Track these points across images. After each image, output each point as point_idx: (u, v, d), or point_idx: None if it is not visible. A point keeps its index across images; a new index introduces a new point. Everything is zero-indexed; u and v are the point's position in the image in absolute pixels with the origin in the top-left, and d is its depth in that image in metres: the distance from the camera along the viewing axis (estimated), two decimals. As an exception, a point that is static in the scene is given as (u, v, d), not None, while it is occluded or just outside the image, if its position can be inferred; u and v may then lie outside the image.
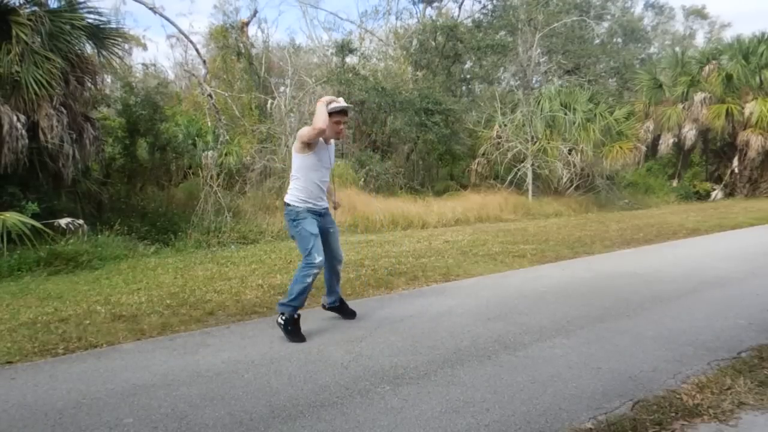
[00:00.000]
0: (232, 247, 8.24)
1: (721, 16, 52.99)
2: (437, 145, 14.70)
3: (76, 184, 8.19)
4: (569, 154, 14.22)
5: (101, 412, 2.90)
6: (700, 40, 31.67)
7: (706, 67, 18.13)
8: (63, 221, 7.21)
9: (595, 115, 14.62)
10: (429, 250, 7.93)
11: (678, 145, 18.50)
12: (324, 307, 4.53)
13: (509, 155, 14.34)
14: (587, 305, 4.92)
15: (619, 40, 24.62)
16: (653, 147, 18.79)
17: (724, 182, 18.62)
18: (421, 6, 20.36)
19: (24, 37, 7.15)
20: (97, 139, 8.43)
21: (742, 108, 17.38)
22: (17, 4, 7.74)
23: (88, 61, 8.35)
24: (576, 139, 14.20)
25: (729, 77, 17.56)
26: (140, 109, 10.04)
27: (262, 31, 28.28)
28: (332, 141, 4.22)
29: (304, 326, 4.10)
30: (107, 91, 10.84)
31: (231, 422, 2.76)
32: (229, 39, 15.48)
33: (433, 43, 16.33)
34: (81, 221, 7.41)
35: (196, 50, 14.96)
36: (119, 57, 9.15)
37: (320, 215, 4.16)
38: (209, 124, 12.37)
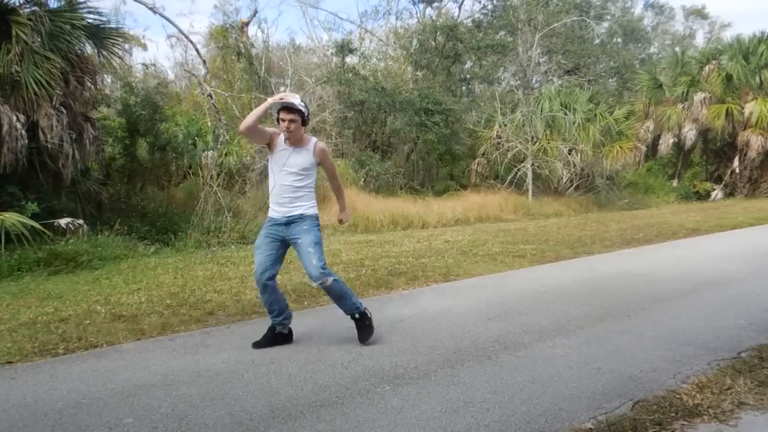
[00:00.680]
0: (232, 247, 8.24)
1: (721, 16, 53.01)
2: (437, 145, 14.70)
3: (76, 184, 8.18)
4: (569, 154, 14.23)
5: (101, 412, 2.89)
6: (700, 40, 31.70)
7: (706, 67, 18.14)
8: (63, 221, 7.20)
9: (595, 115, 14.63)
10: (429, 250, 7.93)
11: (678, 145, 18.50)
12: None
13: (509, 155, 14.34)
14: (587, 305, 4.92)
15: (619, 40, 24.62)
16: (653, 147, 18.79)
17: (724, 182, 18.63)
18: (421, 6, 20.37)
19: (24, 37, 7.15)
20: (97, 139, 8.42)
21: (742, 108, 17.39)
22: (17, 3, 7.73)
23: (88, 61, 8.35)
24: (576, 139, 14.20)
25: (729, 77, 17.56)
26: (140, 109, 10.03)
27: (262, 31, 28.25)
28: (310, 145, 3.81)
29: (305, 327, 4.09)
30: (107, 91, 10.84)
31: (231, 422, 2.76)
32: (229, 39, 15.47)
33: (433, 43, 16.33)
34: (81, 221, 7.40)
35: (196, 50, 14.95)
36: (119, 57, 9.14)
37: (280, 224, 3.78)
38: (209, 124, 12.36)
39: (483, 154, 14.83)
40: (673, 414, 2.79)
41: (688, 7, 33.16)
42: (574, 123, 14.25)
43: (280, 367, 3.49)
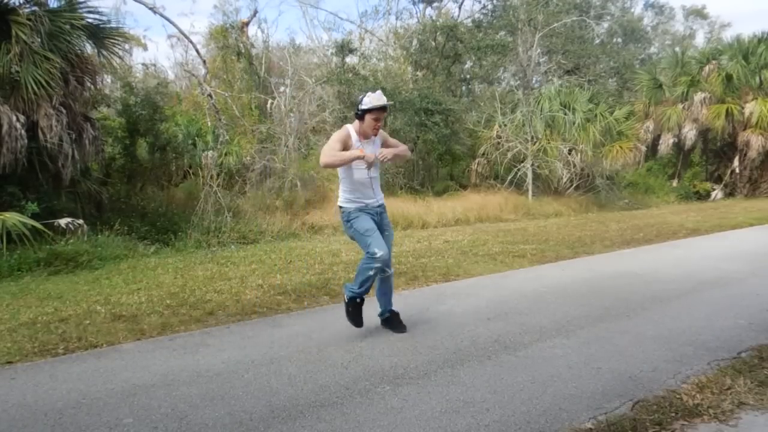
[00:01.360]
0: (232, 247, 8.24)
1: (721, 16, 52.98)
2: (437, 145, 14.69)
3: (76, 184, 8.18)
4: (569, 154, 14.22)
5: (101, 412, 2.89)
6: (700, 40, 31.68)
7: (706, 67, 18.12)
8: (63, 221, 7.20)
9: (595, 115, 14.62)
10: (429, 250, 7.93)
11: (678, 145, 18.49)
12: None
13: (509, 155, 14.33)
14: (587, 305, 4.92)
15: (619, 40, 24.61)
16: (653, 147, 18.78)
17: (724, 182, 18.62)
18: (421, 6, 20.32)
19: (23, 37, 7.15)
20: (97, 139, 8.42)
21: (742, 108, 17.37)
22: (17, 3, 7.73)
23: (87, 61, 8.35)
24: (576, 139, 14.20)
25: (729, 77, 17.54)
26: (140, 109, 10.04)
27: (262, 31, 28.29)
28: (376, 137, 4.04)
29: (305, 327, 4.10)
30: (107, 91, 10.83)
31: (231, 422, 2.76)
32: (229, 39, 15.47)
33: (433, 43, 16.31)
34: (81, 221, 7.41)
35: (196, 50, 14.96)
36: (119, 57, 9.14)
37: (376, 210, 4.05)
38: (209, 124, 12.36)
39: (483, 154, 14.82)
40: (673, 414, 2.79)
41: (688, 7, 33.20)
42: (574, 123, 14.24)
43: (280, 367, 3.49)
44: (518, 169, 14.46)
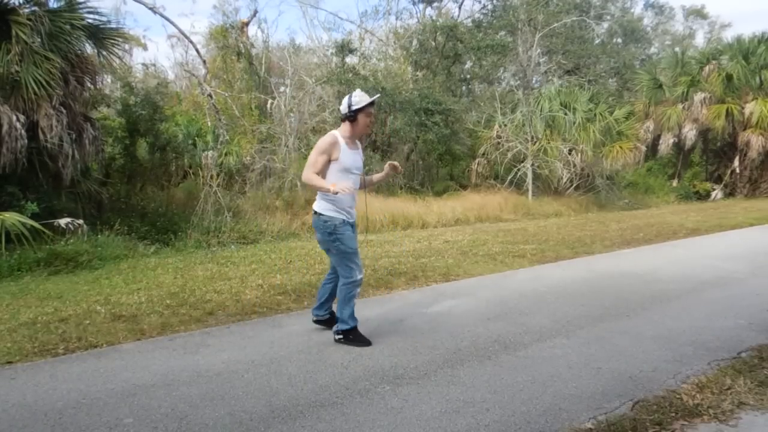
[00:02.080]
0: (232, 247, 8.24)
1: (721, 16, 53.06)
2: (437, 145, 14.69)
3: (76, 184, 8.18)
4: (569, 154, 14.22)
5: (101, 412, 2.89)
6: (700, 40, 31.71)
7: (706, 68, 18.12)
8: (63, 221, 7.20)
9: (595, 115, 14.62)
10: (429, 250, 7.93)
11: (678, 145, 18.49)
12: (313, 319, 4.24)
13: (509, 155, 14.33)
14: (587, 305, 4.92)
15: (619, 40, 24.61)
16: (653, 147, 18.78)
17: (724, 182, 18.62)
18: (421, 6, 20.34)
19: (24, 37, 7.15)
20: (97, 139, 8.41)
21: (742, 108, 17.37)
22: (17, 3, 7.73)
23: (87, 61, 8.34)
24: (576, 139, 14.20)
25: (729, 77, 17.55)
26: (140, 109, 10.03)
27: (262, 31, 28.32)
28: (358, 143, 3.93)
29: (305, 325, 4.09)
30: (107, 91, 10.83)
31: (231, 422, 2.76)
32: (229, 39, 15.46)
33: (433, 43, 16.32)
34: (81, 221, 7.40)
35: (196, 50, 14.94)
36: (119, 57, 9.13)
37: (353, 226, 3.88)
38: (209, 124, 12.36)
39: (483, 154, 14.81)
40: (673, 414, 2.79)
41: (688, 7, 33.23)
42: (574, 123, 14.24)
43: (280, 367, 3.49)
44: (518, 169, 14.46)
